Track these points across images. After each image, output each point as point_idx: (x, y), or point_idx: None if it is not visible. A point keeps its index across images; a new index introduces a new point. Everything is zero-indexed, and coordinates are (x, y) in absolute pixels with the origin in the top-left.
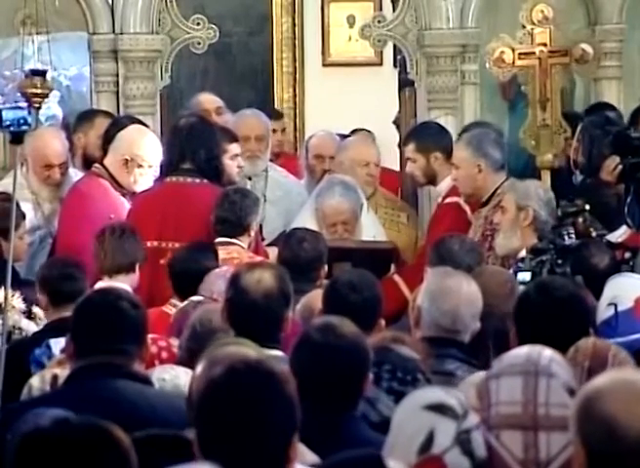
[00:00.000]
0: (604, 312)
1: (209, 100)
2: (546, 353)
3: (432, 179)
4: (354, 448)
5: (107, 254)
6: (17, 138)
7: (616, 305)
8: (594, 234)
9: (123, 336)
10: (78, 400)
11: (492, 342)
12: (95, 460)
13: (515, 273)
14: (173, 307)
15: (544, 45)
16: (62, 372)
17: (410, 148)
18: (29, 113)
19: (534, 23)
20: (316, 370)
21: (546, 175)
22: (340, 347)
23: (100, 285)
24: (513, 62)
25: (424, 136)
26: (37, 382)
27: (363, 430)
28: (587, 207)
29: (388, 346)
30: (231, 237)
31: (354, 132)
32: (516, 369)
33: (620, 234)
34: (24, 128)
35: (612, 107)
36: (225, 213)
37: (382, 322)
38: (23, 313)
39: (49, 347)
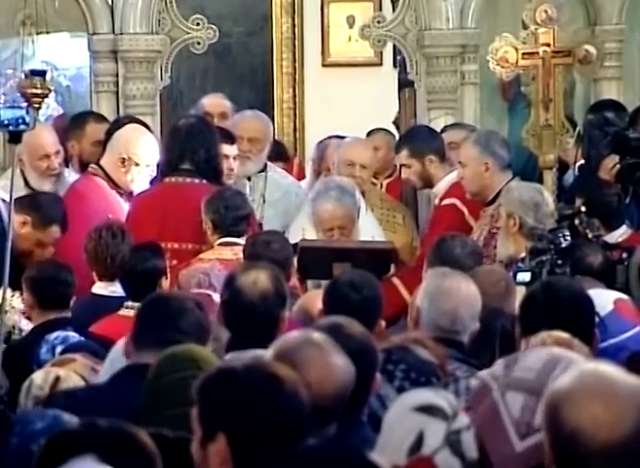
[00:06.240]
0: None
1: (213, 104)
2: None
3: (429, 183)
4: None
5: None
6: (15, 138)
7: (597, 313)
8: (590, 235)
9: (187, 331)
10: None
11: (498, 341)
12: (119, 463)
13: (515, 273)
14: (129, 310)
15: (548, 45)
16: (65, 374)
17: (403, 155)
18: (28, 112)
19: (537, 24)
20: None
21: (548, 176)
22: (347, 348)
23: (99, 289)
24: (517, 62)
25: (416, 141)
26: (39, 380)
27: (367, 434)
28: (583, 209)
29: (407, 347)
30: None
31: (371, 132)
32: (547, 346)
33: (620, 234)
34: (23, 127)
35: (617, 105)
36: (243, 211)
37: (383, 322)
38: (23, 313)
39: (54, 348)
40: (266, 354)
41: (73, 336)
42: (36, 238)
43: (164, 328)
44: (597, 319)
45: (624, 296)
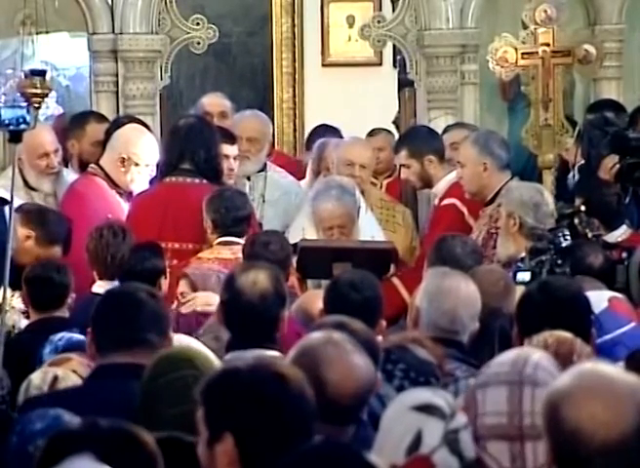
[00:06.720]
0: None
1: (213, 103)
2: (533, 359)
3: (428, 183)
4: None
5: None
6: (15, 137)
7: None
8: (590, 235)
9: (144, 326)
10: (96, 400)
11: (497, 341)
12: (121, 463)
13: (515, 273)
14: None
15: (547, 45)
16: (63, 373)
17: (402, 155)
18: (28, 112)
19: (537, 23)
20: None
21: (548, 176)
22: None
23: (99, 288)
24: (516, 62)
25: (415, 141)
26: (38, 380)
27: (367, 433)
28: (583, 208)
29: (406, 346)
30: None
31: (373, 132)
32: (501, 377)
33: (619, 234)
34: (23, 126)
35: (616, 105)
36: (243, 211)
37: (384, 322)
38: (23, 313)
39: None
40: (268, 354)
41: (78, 338)
42: (37, 254)
43: (121, 327)
44: (592, 317)
45: (619, 295)
